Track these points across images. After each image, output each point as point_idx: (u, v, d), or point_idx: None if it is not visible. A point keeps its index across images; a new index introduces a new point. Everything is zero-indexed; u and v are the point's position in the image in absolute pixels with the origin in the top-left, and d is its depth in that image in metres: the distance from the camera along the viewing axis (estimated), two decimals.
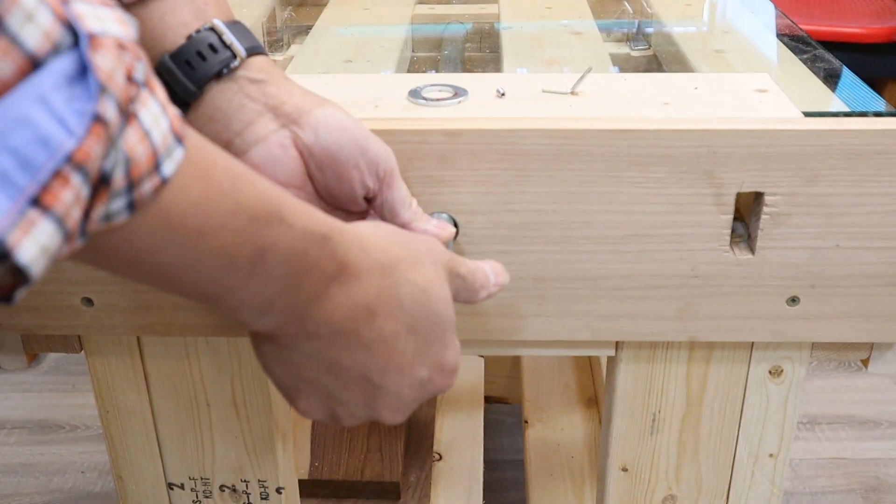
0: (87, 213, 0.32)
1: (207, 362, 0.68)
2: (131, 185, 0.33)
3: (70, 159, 0.29)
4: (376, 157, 0.53)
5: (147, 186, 0.34)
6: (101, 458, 1.43)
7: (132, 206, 0.34)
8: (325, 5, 0.97)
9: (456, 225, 0.59)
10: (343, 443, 1.13)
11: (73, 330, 0.65)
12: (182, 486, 0.74)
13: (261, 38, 0.87)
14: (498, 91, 0.63)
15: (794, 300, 0.61)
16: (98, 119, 0.30)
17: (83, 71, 0.30)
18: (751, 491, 0.72)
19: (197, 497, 0.74)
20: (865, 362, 0.66)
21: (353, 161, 0.52)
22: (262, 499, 0.74)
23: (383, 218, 0.55)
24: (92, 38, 0.31)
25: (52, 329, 0.64)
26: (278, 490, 0.73)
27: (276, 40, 0.90)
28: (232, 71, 0.51)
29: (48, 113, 0.29)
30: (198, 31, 0.51)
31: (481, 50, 0.86)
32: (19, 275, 0.29)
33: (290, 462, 0.75)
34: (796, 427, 0.70)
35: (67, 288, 0.62)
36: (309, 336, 0.46)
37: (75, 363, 1.66)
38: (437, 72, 0.81)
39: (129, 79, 0.32)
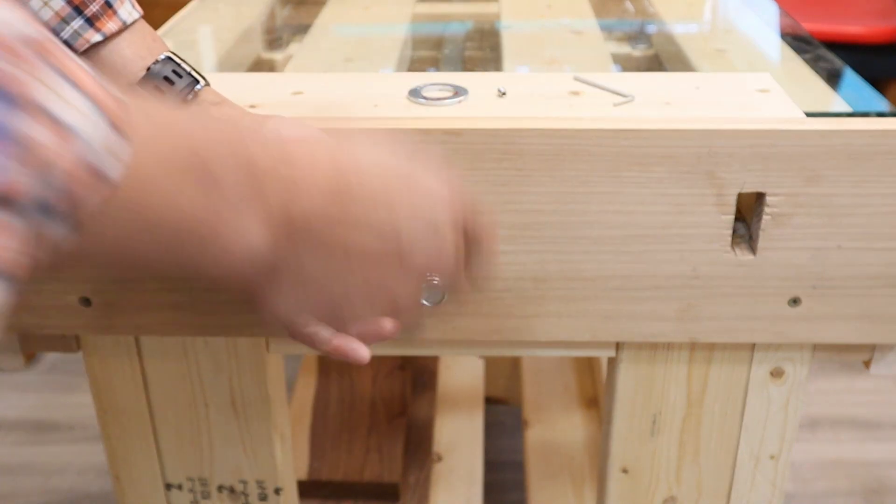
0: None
1: (206, 362, 0.67)
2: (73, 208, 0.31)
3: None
4: None
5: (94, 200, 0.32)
6: (99, 458, 1.43)
7: (78, 227, 0.32)
8: (324, 4, 0.97)
9: None
10: (342, 443, 1.13)
11: (71, 329, 0.64)
12: (180, 487, 0.73)
13: (260, 36, 0.87)
14: (498, 90, 0.63)
15: (795, 301, 0.61)
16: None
17: None
18: (752, 493, 0.71)
19: (195, 497, 0.74)
20: (867, 364, 0.66)
21: None
22: (260, 500, 0.73)
23: None
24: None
25: (49, 328, 0.64)
26: (277, 491, 0.73)
27: (275, 39, 0.89)
28: (195, 95, 0.55)
29: None
30: (156, 62, 0.56)
31: (482, 49, 0.86)
32: None
33: (289, 463, 0.75)
34: (797, 429, 0.69)
35: (65, 287, 0.62)
36: (307, 236, 0.43)
37: (73, 363, 1.65)
38: (437, 71, 0.81)
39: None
